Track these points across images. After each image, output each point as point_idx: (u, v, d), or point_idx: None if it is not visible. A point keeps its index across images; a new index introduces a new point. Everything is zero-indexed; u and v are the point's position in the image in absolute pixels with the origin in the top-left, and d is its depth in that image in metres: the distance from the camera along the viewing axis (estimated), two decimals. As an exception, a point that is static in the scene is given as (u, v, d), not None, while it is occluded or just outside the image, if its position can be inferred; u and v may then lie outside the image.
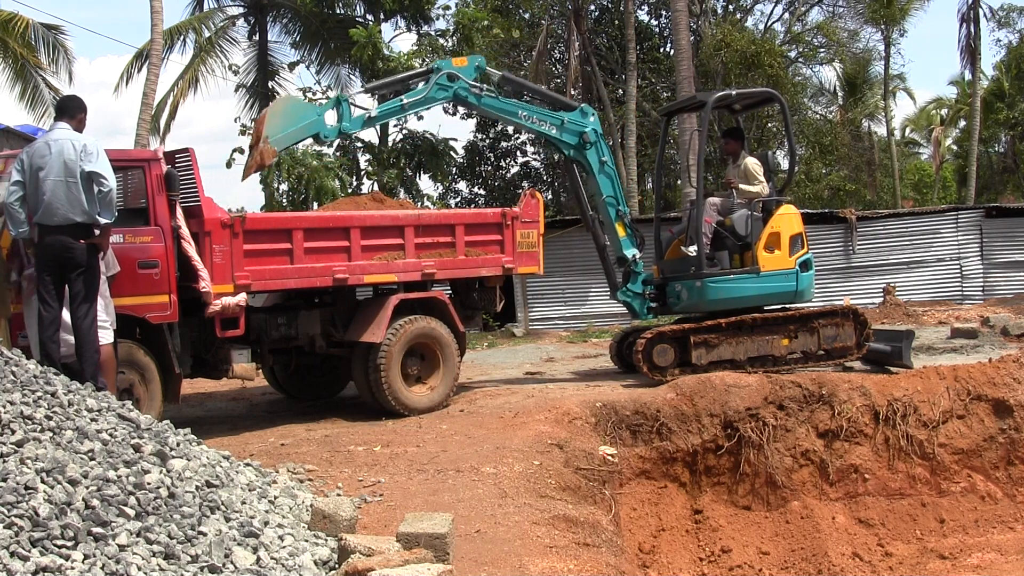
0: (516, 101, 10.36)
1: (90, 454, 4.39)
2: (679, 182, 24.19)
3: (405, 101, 9.61)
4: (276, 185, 17.60)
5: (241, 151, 19.13)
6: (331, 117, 9.28)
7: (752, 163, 10.32)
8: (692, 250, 9.98)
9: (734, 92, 10.70)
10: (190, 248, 7.71)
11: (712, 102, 10.35)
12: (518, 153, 28.38)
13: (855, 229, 18.01)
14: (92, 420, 4.87)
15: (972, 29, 27.12)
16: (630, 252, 10.44)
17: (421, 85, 9.75)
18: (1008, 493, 9.04)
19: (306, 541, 4.76)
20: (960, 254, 18.17)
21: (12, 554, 3.43)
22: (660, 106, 25.10)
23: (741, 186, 10.23)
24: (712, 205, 10.24)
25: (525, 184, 26.63)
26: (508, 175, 28.05)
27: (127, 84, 21.08)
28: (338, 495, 6.19)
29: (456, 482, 6.51)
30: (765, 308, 10.16)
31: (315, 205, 16.72)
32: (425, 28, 19.84)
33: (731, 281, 9.93)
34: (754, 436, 8.82)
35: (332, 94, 20.82)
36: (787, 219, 10.19)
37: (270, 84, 21.50)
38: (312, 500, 5.65)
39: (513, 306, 10.99)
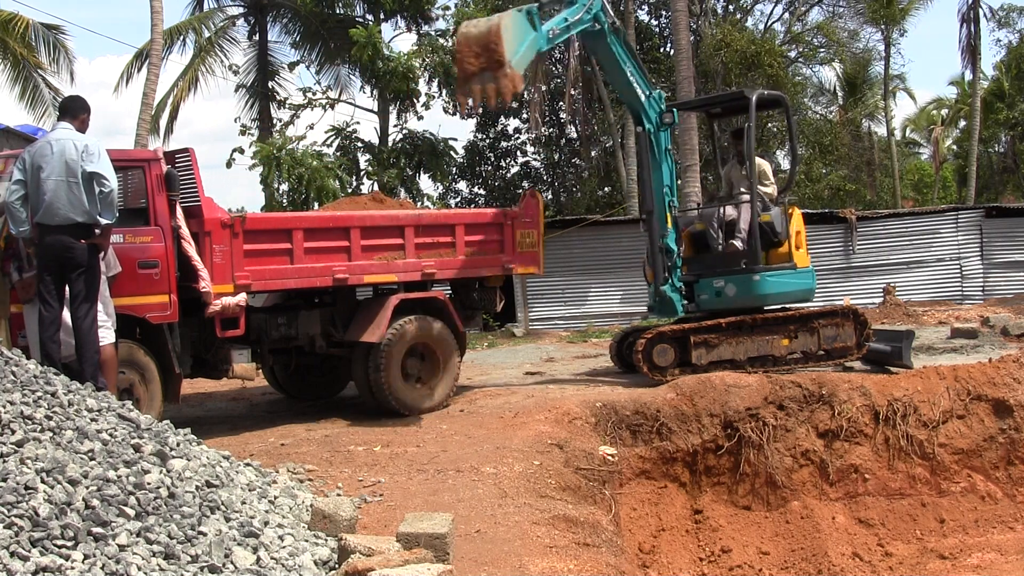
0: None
1: (90, 454, 4.39)
2: (679, 182, 24.14)
3: (569, 20, 9.04)
4: (276, 185, 17.62)
5: (241, 151, 19.19)
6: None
7: (764, 164, 10.47)
8: (739, 244, 10.03)
9: (766, 92, 10.86)
10: (190, 248, 7.71)
11: (756, 99, 10.32)
12: (518, 153, 28.41)
13: (855, 229, 18.01)
14: (92, 420, 4.87)
15: (972, 29, 27.12)
16: (674, 244, 10.26)
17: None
18: (1008, 493, 9.03)
19: (306, 541, 4.76)
20: (960, 254, 18.16)
21: (12, 554, 3.43)
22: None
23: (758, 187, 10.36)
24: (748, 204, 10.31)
25: (525, 184, 26.63)
26: (508, 175, 28.05)
27: (127, 84, 21.12)
28: (338, 495, 6.19)
29: (456, 482, 6.51)
30: (765, 308, 10.20)
31: (315, 205, 16.73)
32: (425, 28, 19.88)
33: (781, 276, 10.05)
34: (754, 436, 8.82)
35: (332, 94, 21.05)
36: (800, 219, 10.45)
37: (270, 84, 21.49)
38: (312, 500, 5.66)
39: (513, 306, 10.98)
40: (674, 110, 10.33)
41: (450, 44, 18.91)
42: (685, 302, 10.31)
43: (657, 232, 10.10)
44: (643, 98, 10.08)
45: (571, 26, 9.06)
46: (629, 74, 9.95)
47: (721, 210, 10.43)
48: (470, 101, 8.19)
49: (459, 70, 8.09)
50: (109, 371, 6.71)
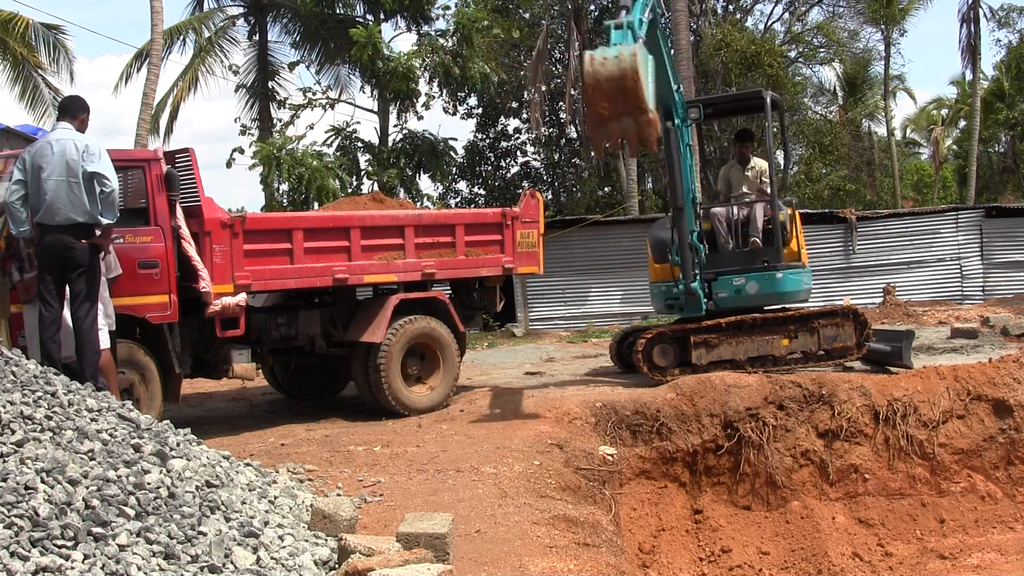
0: None
1: (90, 454, 4.39)
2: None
3: (644, 19, 8.36)
4: (276, 185, 17.61)
5: (241, 151, 19.18)
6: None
7: (764, 164, 10.61)
8: (760, 241, 10.07)
9: (775, 95, 10.89)
10: (190, 248, 7.71)
11: (771, 100, 10.34)
12: (518, 153, 28.41)
13: (855, 229, 18.00)
14: (92, 420, 4.87)
15: (972, 29, 27.12)
16: (699, 241, 10.15)
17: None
18: (1008, 493, 9.03)
19: (306, 541, 4.76)
20: (960, 254, 18.16)
21: (12, 554, 3.43)
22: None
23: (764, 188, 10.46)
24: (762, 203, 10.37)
25: (525, 184, 26.62)
26: (508, 175, 28.05)
27: (127, 84, 21.10)
28: (338, 495, 6.19)
29: (456, 482, 6.51)
30: (765, 308, 10.22)
31: (315, 205, 16.73)
32: (425, 28, 19.86)
33: (796, 274, 10.14)
34: (754, 436, 8.82)
35: (332, 94, 21.05)
36: (798, 219, 10.53)
37: (270, 84, 21.48)
38: (312, 500, 5.66)
39: (513, 306, 10.99)
40: (700, 105, 10.30)
41: (450, 44, 18.89)
42: (706, 300, 10.26)
43: (686, 228, 9.91)
44: (674, 91, 9.99)
45: (645, 22, 8.39)
46: (667, 65, 9.73)
47: (733, 209, 10.42)
48: (607, 146, 7.59)
49: (590, 113, 7.41)
50: (108, 374, 6.71)
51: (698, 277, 9.98)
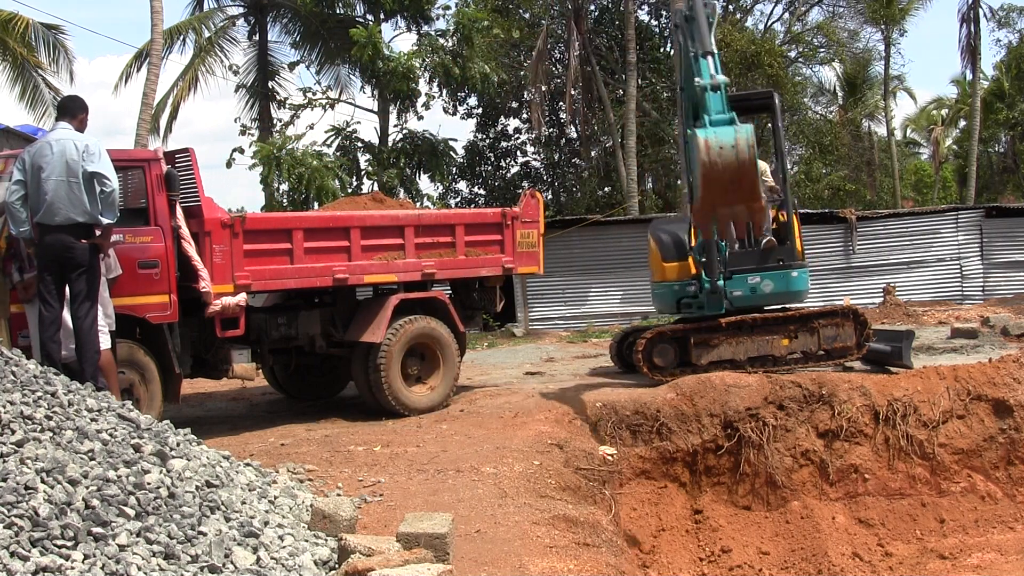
0: None
1: (90, 454, 4.39)
2: (679, 182, 24.16)
3: (715, 50, 8.43)
4: (276, 185, 17.62)
5: (241, 151, 19.19)
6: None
7: (763, 164, 10.54)
8: (774, 240, 10.07)
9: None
10: (190, 248, 7.71)
11: (779, 102, 10.37)
12: (518, 153, 28.40)
13: (855, 229, 18.01)
14: (92, 420, 4.87)
15: (972, 29, 27.10)
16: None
17: None
18: (1008, 493, 9.03)
19: (306, 541, 4.76)
20: (960, 254, 18.16)
21: (12, 554, 3.43)
22: (660, 106, 25.08)
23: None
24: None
25: (525, 184, 26.62)
26: (508, 175, 28.04)
27: (127, 84, 21.08)
28: (338, 495, 6.19)
29: (456, 482, 6.51)
30: (765, 308, 10.22)
31: (315, 205, 16.73)
32: (425, 28, 19.86)
33: (805, 272, 10.21)
34: (754, 436, 8.82)
35: (332, 94, 21.06)
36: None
37: (270, 84, 21.48)
38: (312, 500, 5.66)
39: (513, 306, 10.99)
40: None
41: (450, 44, 18.89)
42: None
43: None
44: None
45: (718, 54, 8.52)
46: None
47: None
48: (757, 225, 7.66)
49: (704, 199, 7.38)
50: (109, 375, 6.71)
51: (721, 274, 9.95)
